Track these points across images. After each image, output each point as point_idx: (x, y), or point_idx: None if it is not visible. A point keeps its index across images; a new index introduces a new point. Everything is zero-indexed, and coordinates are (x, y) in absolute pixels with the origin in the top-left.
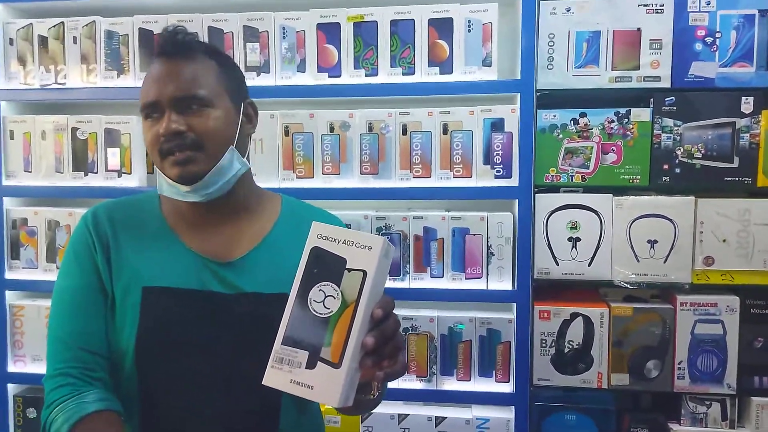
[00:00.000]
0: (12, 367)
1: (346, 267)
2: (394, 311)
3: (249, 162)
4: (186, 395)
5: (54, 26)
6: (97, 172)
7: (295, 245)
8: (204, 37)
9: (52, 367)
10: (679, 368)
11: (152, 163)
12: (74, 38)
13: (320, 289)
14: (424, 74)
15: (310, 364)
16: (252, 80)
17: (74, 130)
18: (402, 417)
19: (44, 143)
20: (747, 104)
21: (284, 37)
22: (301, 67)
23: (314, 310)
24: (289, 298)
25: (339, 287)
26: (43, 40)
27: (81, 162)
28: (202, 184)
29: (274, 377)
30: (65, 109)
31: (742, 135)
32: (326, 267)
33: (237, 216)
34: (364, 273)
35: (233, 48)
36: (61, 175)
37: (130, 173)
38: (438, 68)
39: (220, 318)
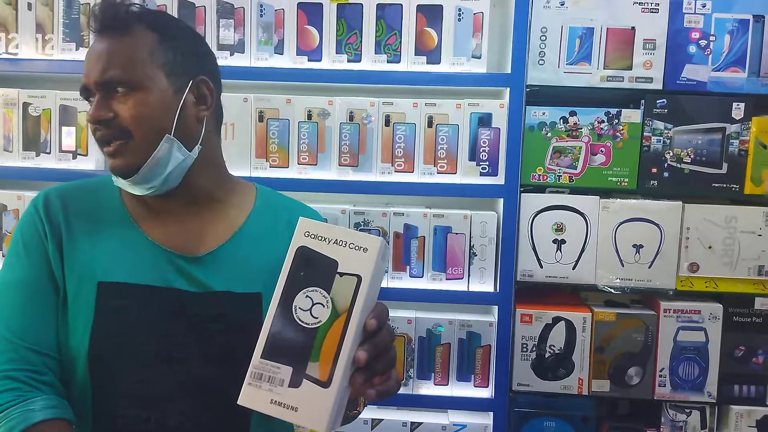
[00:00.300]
0: None
1: (338, 271)
2: (388, 321)
3: (214, 148)
4: (145, 405)
5: None
6: (49, 153)
7: (271, 240)
8: (174, 11)
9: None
10: (660, 375)
11: None
12: (29, 4)
13: (307, 296)
14: (411, 63)
15: (294, 383)
16: (225, 60)
17: (26, 105)
18: (376, 422)
19: None
20: (738, 110)
21: (261, 15)
22: (279, 49)
23: (300, 320)
24: (271, 305)
25: (329, 294)
26: None
27: (32, 141)
28: (139, 179)
29: (252, 396)
30: (16, 82)
31: (731, 141)
32: (315, 270)
33: (204, 206)
34: (359, 278)
35: (204, 24)
36: (10, 154)
37: (86, 155)
38: (425, 57)
39: (186, 319)
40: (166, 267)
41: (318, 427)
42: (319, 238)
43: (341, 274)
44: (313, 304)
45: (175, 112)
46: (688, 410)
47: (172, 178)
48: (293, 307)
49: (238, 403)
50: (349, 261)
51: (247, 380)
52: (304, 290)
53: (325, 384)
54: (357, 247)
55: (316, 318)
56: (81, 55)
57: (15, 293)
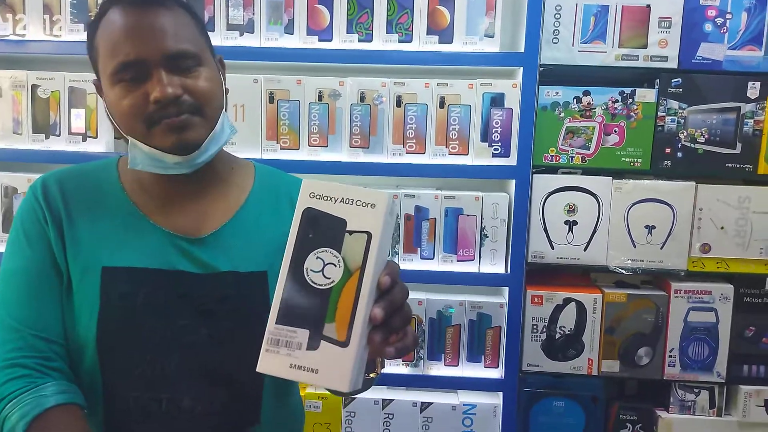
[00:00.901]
0: None
1: (347, 229)
2: (399, 278)
3: None
4: (157, 388)
5: None
6: (59, 135)
7: (273, 217)
8: None
9: (3, 358)
10: (670, 356)
11: None
12: None
13: (318, 257)
14: (422, 42)
15: (312, 345)
16: (234, 40)
17: (34, 87)
18: (386, 402)
19: (0, 101)
20: (753, 89)
21: None
22: (289, 29)
23: (312, 281)
24: (282, 270)
25: (340, 253)
26: None
27: (42, 123)
28: (198, 153)
29: (271, 362)
30: (25, 63)
31: (746, 121)
32: (323, 230)
33: (209, 187)
34: (369, 235)
35: (213, 4)
36: (20, 136)
37: (95, 137)
38: (437, 37)
39: (192, 302)
40: (169, 250)
41: (340, 387)
42: (325, 197)
43: (350, 233)
44: (325, 265)
45: (223, 87)
46: (697, 390)
47: (214, 155)
48: (304, 269)
49: (257, 370)
50: (357, 218)
51: (264, 346)
52: (314, 251)
53: (343, 344)
54: (364, 204)
55: (329, 278)
56: None
57: (18, 282)
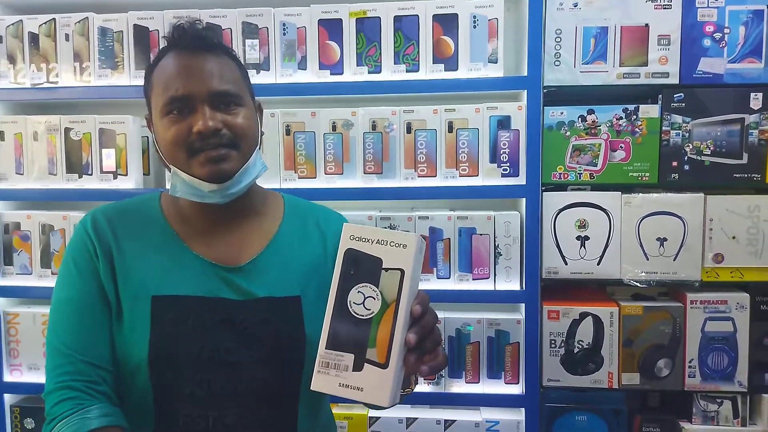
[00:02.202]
0: (8, 377)
1: (383, 267)
2: (430, 306)
3: None
4: (205, 406)
5: (45, 23)
6: (91, 174)
7: (303, 243)
8: None
9: (53, 382)
10: (689, 366)
11: (149, 164)
12: (66, 35)
13: (359, 291)
14: (429, 71)
15: (357, 367)
16: (252, 78)
17: (67, 130)
18: (410, 421)
19: (36, 144)
20: (756, 100)
21: (284, 34)
22: (302, 65)
23: (355, 312)
24: (329, 303)
25: (378, 287)
26: (34, 38)
27: (75, 163)
28: (231, 183)
29: (323, 382)
30: (58, 108)
31: (751, 131)
32: (363, 268)
33: (245, 218)
34: (402, 272)
35: (232, 44)
36: (55, 177)
37: (126, 175)
38: (443, 65)
39: (234, 326)
40: (212, 278)
41: (382, 402)
42: (363, 239)
43: (386, 270)
44: (365, 298)
45: (258, 127)
46: (719, 400)
47: (247, 187)
48: (348, 302)
49: (311, 388)
50: (391, 257)
51: (317, 368)
52: (356, 286)
53: (384, 366)
54: (397, 245)
55: (369, 309)
56: (116, 80)
57: (69, 310)
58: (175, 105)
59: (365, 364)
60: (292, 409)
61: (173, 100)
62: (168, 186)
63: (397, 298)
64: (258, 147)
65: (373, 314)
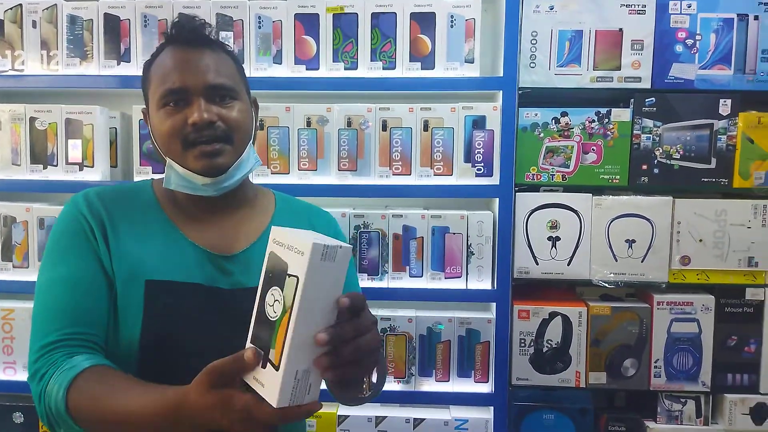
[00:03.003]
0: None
1: (287, 272)
2: (365, 310)
3: None
4: None
5: (11, 9)
6: (56, 165)
7: None
8: None
9: (43, 342)
10: (655, 366)
11: (116, 156)
12: (33, 22)
13: (271, 293)
14: (405, 69)
15: (263, 364)
16: None
17: (32, 120)
18: (380, 419)
19: (0, 134)
20: (725, 106)
21: (260, 27)
22: (278, 59)
23: (267, 314)
24: (256, 299)
25: (282, 292)
26: None
27: (40, 154)
28: (225, 177)
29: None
30: (23, 97)
31: (719, 137)
32: (276, 272)
33: (238, 209)
34: (297, 278)
35: None
36: (18, 167)
37: (92, 166)
38: (419, 63)
39: (223, 314)
40: (206, 265)
41: (272, 402)
42: (280, 243)
43: (289, 275)
44: (274, 301)
45: (253, 122)
46: (683, 400)
47: (240, 181)
48: (265, 303)
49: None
50: (293, 263)
51: None
52: (270, 289)
53: (277, 367)
54: (297, 251)
55: (275, 312)
56: (85, 69)
57: (62, 289)
58: (171, 97)
59: (267, 363)
60: None
61: (170, 92)
62: (136, 179)
63: (291, 304)
64: (252, 141)
65: (277, 317)
